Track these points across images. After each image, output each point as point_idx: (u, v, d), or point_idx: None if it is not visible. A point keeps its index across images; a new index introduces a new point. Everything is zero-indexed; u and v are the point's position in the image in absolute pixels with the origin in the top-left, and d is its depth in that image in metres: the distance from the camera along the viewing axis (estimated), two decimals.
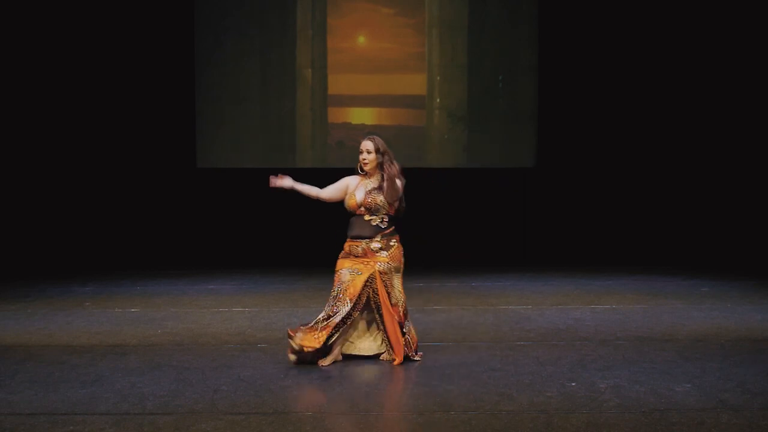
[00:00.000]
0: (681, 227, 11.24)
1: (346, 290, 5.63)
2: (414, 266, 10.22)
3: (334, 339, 5.61)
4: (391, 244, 5.75)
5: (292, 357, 5.64)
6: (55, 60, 10.99)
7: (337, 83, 11.42)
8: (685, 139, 11.25)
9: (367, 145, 5.78)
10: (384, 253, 5.70)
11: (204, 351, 6.07)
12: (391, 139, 5.82)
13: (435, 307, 7.79)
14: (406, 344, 5.68)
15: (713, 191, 11.18)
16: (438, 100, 11.45)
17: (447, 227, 11.10)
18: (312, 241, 11.05)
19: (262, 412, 4.62)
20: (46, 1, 10.92)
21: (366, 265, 5.67)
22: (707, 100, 11.18)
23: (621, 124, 11.28)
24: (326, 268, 10.12)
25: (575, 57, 11.27)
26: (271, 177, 5.83)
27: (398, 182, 5.78)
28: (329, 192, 5.88)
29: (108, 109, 11.13)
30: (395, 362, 5.63)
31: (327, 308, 5.66)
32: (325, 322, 5.59)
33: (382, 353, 5.77)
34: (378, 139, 5.80)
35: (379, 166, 5.77)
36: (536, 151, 11.38)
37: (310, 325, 5.64)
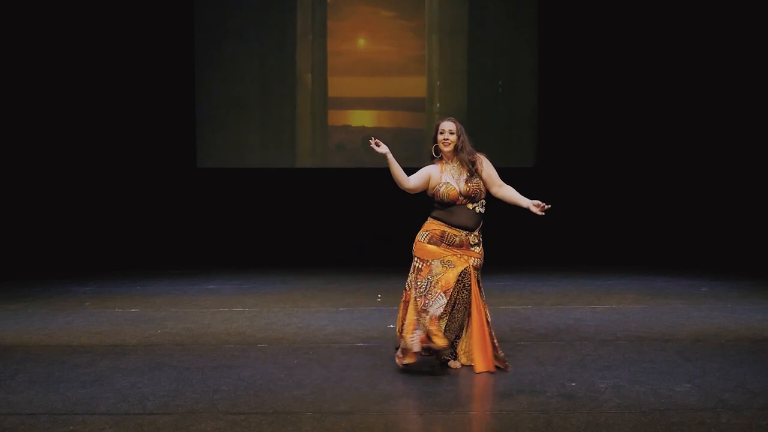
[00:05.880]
0: (680, 227, 11.23)
1: (437, 282, 5.27)
2: None
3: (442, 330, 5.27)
4: (481, 239, 5.47)
5: (409, 360, 5.31)
6: (57, 61, 10.98)
7: (337, 86, 11.41)
8: (685, 139, 11.25)
9: (449, 125, 5.45)
10: (478, 249, 5.43)
11: (204, 351, 6.07)
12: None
13: None
14: (495, 350, 5.39)
15: (713, 191, 11.18)
16: (438, 104, 11.44)
17: None
18: (312, 241, 11.07)
19: (262, 412, 4.62)
20: (47, 2, 10.93)
21: (459, 258, 5.33)
22: (706, 101, 11.17)
23: (621, 126, 11.27)
24: (326, 268, 10.25)
25: (575, 61, 11.26)
26: (372, 140, 5.39)
27: (485, 161, 5.54)
28: (414, 182, 5.41)
29: (108, 109, 11.13)
30: (476, 369, 5.31)
31: (417, 297, 5.26)
32: (427, 315, 5.19)
33: (449, 360, 5.44)
34: (457, 121, 5.52)
35: (456, 149, 5.45)
36: (536, 156, 11.36)
37: (416, 319, 5.22)
